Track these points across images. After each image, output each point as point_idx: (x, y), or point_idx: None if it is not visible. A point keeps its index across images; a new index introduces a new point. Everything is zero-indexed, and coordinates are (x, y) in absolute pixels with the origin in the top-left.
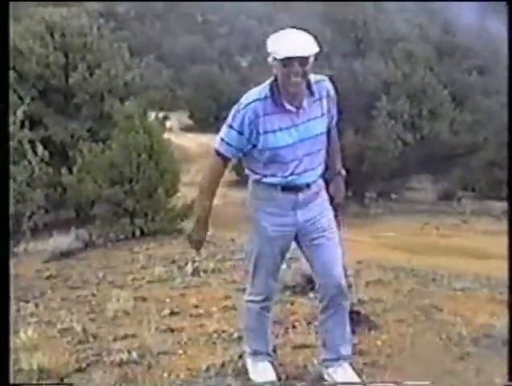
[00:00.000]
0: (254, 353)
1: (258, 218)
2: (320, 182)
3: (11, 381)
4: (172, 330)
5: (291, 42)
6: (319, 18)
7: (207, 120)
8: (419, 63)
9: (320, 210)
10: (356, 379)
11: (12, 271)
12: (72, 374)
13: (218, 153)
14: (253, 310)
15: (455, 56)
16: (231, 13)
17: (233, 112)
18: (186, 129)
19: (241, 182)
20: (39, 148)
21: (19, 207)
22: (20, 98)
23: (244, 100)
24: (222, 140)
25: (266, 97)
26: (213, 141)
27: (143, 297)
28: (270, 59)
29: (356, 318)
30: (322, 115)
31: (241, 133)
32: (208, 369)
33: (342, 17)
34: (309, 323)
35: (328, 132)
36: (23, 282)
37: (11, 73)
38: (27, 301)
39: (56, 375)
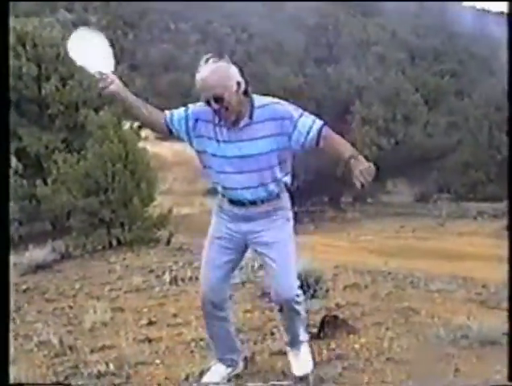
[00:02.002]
0: (217, 359)
1: (213, 220)
2: (277, 202)
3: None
4: (150, 340)
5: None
6: (291, 23)
7: None
8: (391, 66)
9: (266, 225)
10: (310, 361)
11: None
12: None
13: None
14: (205, 315)
15: (427, 59)
16: (203, 21)
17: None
18: (162, 138)
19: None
20: (13, 160)
21: None
22: None
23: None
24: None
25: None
26: (190, 149)
27: (121, 307)
28: None
29: (333, 323)
30: (266, 136)
31: (186, 119)
32: (186, 378)
33: (314, 22)
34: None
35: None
36: None
37: None
38: None
39: None
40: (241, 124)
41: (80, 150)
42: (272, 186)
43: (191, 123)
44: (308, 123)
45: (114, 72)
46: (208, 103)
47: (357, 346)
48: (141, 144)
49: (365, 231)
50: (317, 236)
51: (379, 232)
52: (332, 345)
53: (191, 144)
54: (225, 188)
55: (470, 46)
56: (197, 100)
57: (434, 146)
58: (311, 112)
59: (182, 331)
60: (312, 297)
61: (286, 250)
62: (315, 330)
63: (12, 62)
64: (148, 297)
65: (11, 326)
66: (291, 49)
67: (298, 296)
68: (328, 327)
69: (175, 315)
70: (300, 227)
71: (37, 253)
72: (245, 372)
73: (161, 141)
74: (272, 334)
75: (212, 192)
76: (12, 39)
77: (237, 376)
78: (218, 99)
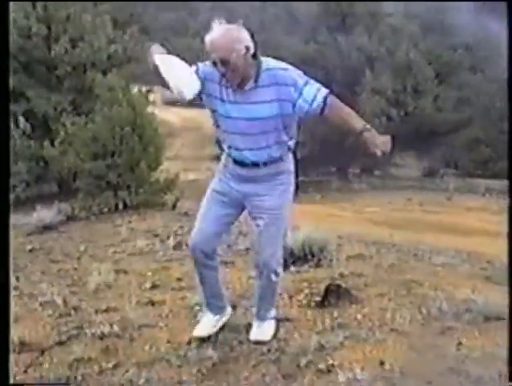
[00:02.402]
0: (204, 305)
1: (216, 176)
2: (279, 165)
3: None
4: (154, 303)
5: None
6: None
7: None
8: (403, 38)
9: (267, 190)
10: (270, 333)
11: None
12: (54, 346)
13: None
14: (194, 262)
15: (440, 32)
16: None
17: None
18: (170, 103)
19: None
20: (21, 121)
21: None
22: None
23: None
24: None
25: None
26: (199, 115)
27: (125, 270)
28: None
29: (337, 292)
30: (270, 101)
31: (197, 75)
32: (189, 342)
33: None
34: (291, 297)
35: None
36: None
37: None
38: None
39: (37, 348)
40: (247, 87)
41: (88, 113)
42: (275, 149)
43: (201, 81)
44: (313, 91)
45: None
46: (214, 64)
47: (359, 316)
48: (149, 109)
49: (371, 202)
50: (323, 206)
51: (385, 204)
52: (335, 314)
53: (201, 100)
54: (229, 147)
55: (485, 21)
56: None
57: (444, 121)
58: (322, 81)
59: (186, 295)
60: (316, 266)
61: (280, 219)
62: (318, 299)
63: (22, 22)
64: (152, 261)
65: (15, 284)
66: (303, 18)
67: (277, 272)
68: (331, 296)
69: (178, 279)
70: (306, 197)
71: (43, 214)
72: (247, 338)
73: (169, 107)
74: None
75: (218, 158)
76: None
77: (240, 342)
78: (225, 61)
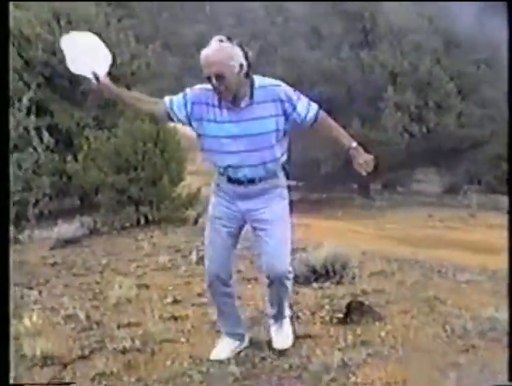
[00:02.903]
0: (223, 333)
1: (212, 199)
2: (274, 180)
3: (11, 381)
4: (175, 318)
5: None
6: (327, 8)
7: None
8: (426, 54)
9: (264, 203)
10: (291, 335)
11: (17, 257)
12: (75, 360)
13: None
14: (213, 293)
15: (463, 48)
16: (238, 3)
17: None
18: None
19: None
20: (45, 135)
21: (25, 194)
22: (26, 85)
23: (197, 86)
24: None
25: (211, 89)
26: None
27: (146, 284)
28: None
29: (359, 309)
30: (268, 116)
31: (185, 103)
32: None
33: (351, 8)
34: (313, 313)
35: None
36: (28, 269)
37: (18, 60)
38: (31, 288)
39: (59, 362)
40: (242, 104)
41: (111, 128)
42: (271, 165)
43: (189, 107)
44: (305, 105)
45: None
46: (208, 79)
47: (382, 333)
48: (171, 123)
49: (393, 219)
50: (345, 222)
51: (407, 220)
52: (358, 331)
53: (192, 127)
54: (225, 167)
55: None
56: None
57: (466, 136)
58: (344, 97)
59: (207, 311)
60: (338, 282)
61: (283, 227)
62: (340, 316)
63: (46, 37)
64: (174, 276)
65: (38, 298)
66: (326, 34)
67: (290, 272)
68: (353, 313)
69: (200, 295)
70: (328, 213)
71: (65, 228)
72: (268, 355)
73: None
74: (298, 317)
75: None
76: (48, 15)
77: (262, 359)
78: (219, 76)
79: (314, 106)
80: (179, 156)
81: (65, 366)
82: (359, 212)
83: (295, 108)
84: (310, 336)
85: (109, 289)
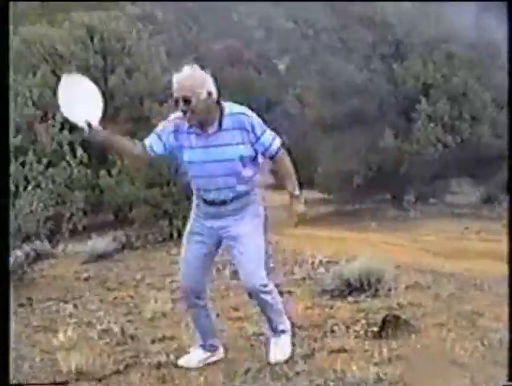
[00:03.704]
0: (196, 345)
1: (191, 217)
2: (245, 199)
3: (12, 381)
4: None
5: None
6: (358, 20)
7: None
8: (459, 64)
9: (235, 221)
10: (287, 351)
11: (51, 272)
12: (110, 375)
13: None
14: (186, 303)
15: (497, 58)
16: (268, 15)
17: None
18: None
19: (279, 185)
20: (79, 150)
21: (58, 208)
22: None
23: (172, 115)
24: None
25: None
26: None
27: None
28: None
29: (395, 322)
30: (235, 144)
31: (159, 137)
32: (246, 372)
33: (381, 19)
34: (348, 327)
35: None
36: (62, 283)
37: (52, 77)
38: (66, 302)
39: (94, 377)
40: (210, 130)
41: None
42: (240, 188)
43: (168, 142)
44: (269, 139)
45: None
46: (176, 102)
47: (418, 347)
48: None
49: (427, 230)
50: (378, 234)
51: (442, 232)
52: (393, 345)
53: (177, 158)
54: (199, 190)
55: None
56: (260, 92)
57: (501, 146)
58: (376, 109)
59: (243, 325)
60: (373, 295)
61: (253, 243)
62: (375, 329)
63: (80, 55)
64: (209, 290)
65: (73, 312)
66: (356, 45)
67: (265, 286)
68: (388, 327)
69: (235, 309)
70: (361, 225)
71: (99, 243)
72: (303, 369)
73: None
74: (332, 331)
75: (273, 187)
76: (81, 32)
77: (297, 374)
78: (186, 101)
79: (277, 142)
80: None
81: (100, 381)
82: (393, 224)
83: (258, 140)
84: (345, 350)
85: (143, 303)
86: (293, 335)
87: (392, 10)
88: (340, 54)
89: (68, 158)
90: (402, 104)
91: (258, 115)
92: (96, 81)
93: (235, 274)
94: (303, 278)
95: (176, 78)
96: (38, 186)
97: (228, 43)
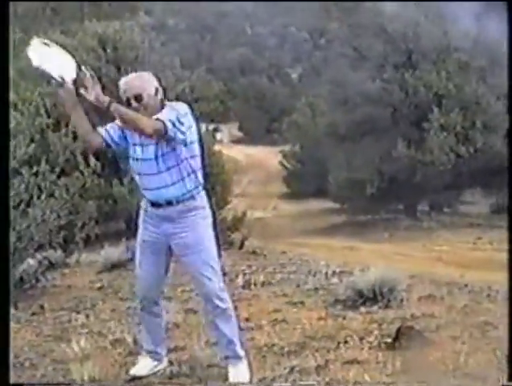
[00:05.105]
0: (143, 350)
1: (140, 224)
2: (193, 202)
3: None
4: None
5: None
6: (370, 29)
7: (257, 131)
8: (472, 73)
9: (185, 228)
10: (245, 377)
11: (64, 281)
12: (123, 385)
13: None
14: (141, 310)
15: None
16: (281, 25)
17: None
18: (236, 140)
19: (292, 194)
20: (92, 159)
21: (72, 218)
22: None
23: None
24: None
25: None
26: (263, 152)
27: (193, 309)
28: None
29: (408, 334)
30: (149, 143)
31: (117, 125)
32: (258, 383)
33: (393, 28)
34: (361, 338)
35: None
36: (75, 293)
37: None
38: (79, 312)
39: None
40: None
41: None
42: (182, 185)
43: (123, 131)
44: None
45: (190, 76)
46: (127, 102)
47: (431, 358)
48: (216, 147)
49: (440, 241)
50: (392, 245)
51: (455, 242)
52: (407, 356)
53: (125, 150)
54: (144, 189)
55: None
56: (272, 102)
57: None
58: (388, 119)
59: (254, 336)
60: (386, 306)
61: (204, 251)
62: (389, 340)
63: (92, 64)
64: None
65: (85, 322)
66: (369, 55)
67: (221, 292)
68: (402, 338)
69: (247, 319)
70: (374, 235)
71: (111, 252)
72: (317, 380)
73: (235, 145)
74: (346, 342)
75: (286, 196)
76: (94, 42)
77: (310, 385)
78: (138, 98)
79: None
80: (224, 179)
81: None
82: (406, 234)
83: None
84: (358, 361)
85: None
86: (305, 347)
87: (403, 19)
88: (353, 63)
89: (81, 167)
90: (414, 114)
91: (274, 123)
92: (109, 91)
93: (247, 284)
94: (316, 288)
95: (124, 80)
96: (51, 195)
97: (241, 51)
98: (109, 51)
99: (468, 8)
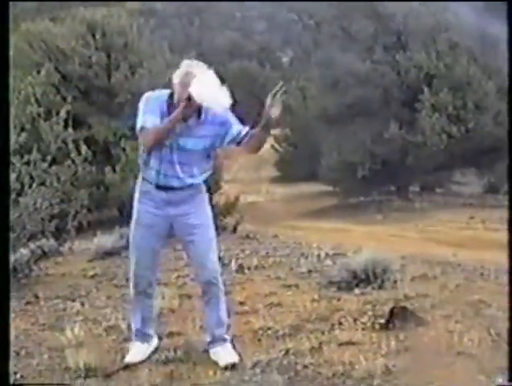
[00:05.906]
0: (134, 332)
1: (136, 207)
2: (199, 186)
3: (11, 381)
4: None
5: (188, 81)
6: (359, 11)
7: (248, 116)
8: (462, 54)
9: (192, 208)
10: (235, 358)
11: (57, 270)
12: (118, 372)
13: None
14: (135, 291)
15: (499, 46)
16: (270, 8)
17: (142, 102)
18: None
19: (284, 178)
20: (83, 147)
21: (64, 206)
22: (63, 98)
23: (150, 93)
24: (143, 128)
25: (163, 101)
26: None
27: (188, 294)
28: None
29: (402, 314)
30: (207, 136)
31: (154, 113)
32: (253, 366)
33: (383, 10)
34: (355, 320)
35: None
36: (69, 281)
37: (55, 74)
38: (73, 300)
39: (102, 373)
40: (190, 122)
41: None
42: (199, 177)
43: (158, 111)
44: (239, 129)
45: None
46: (189, 99)
47: (426, 338)
48: None
49: (433, 221)
50: (384, 226)
51: (448, 222)
52: (401, 336)
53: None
54: (157, 173)
55: None
56: (263, 87)
57: (506, 136)
58: (379, 100)
59: (249, 320)
60: (380, 287)
61: (210, 232)
62: (383, 321)
63: (82, 52)
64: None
65: (80, 309)
66: (358, 36)
67: (219, 272)
68: (396, 318)
69: (241, 303)
70: (367, 217)
71: (105, 240)
72: (311, 362)
73: None
74: (340, 323)
75: (277, 180)
76: (83, 29)
77: (305, 367)
78: (191, 98)
79: (244, 131)
80: (215, 164)
81: (108, 376)
82: (398, 215)
83: (229, 130)
84: (353, 343)
85: None
86: (300, 329)
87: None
88: (343, 44)
89: (72, 155)
90: (406, 95)
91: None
92: (99, 78)
93: (241, 268)
94: (309, 271)
95: (186, 64)
96: (42, 183)
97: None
98: (98, 37)
99: None
